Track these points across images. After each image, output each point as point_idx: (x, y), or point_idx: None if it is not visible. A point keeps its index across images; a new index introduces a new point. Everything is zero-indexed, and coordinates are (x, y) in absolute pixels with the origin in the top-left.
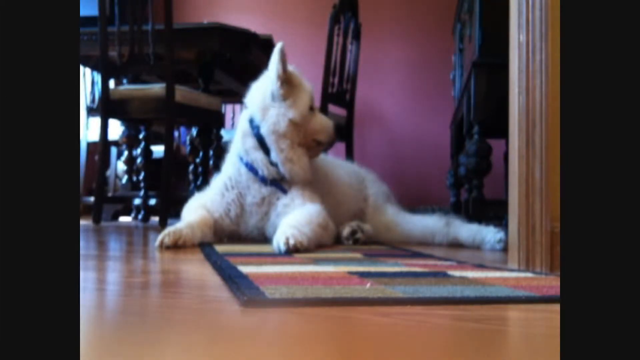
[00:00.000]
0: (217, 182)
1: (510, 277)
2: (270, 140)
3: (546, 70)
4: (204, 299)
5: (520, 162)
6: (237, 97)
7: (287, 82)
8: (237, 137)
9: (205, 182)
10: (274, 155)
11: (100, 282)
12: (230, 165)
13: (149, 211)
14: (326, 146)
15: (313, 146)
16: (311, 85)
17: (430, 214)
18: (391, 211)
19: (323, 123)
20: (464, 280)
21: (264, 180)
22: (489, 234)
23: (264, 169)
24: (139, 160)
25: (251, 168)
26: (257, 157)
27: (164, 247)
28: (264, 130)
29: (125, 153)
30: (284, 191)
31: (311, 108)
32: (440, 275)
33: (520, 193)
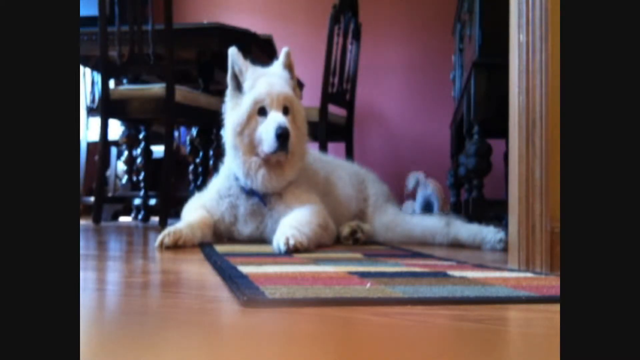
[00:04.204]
0: (213, 187)
1: (510, 277)
2: (228, 150)
3: (546, 70)
4: (204, 299)
5: (520, 162)
6: None
7: (236, 84)
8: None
9: (205, 182)
10: (235, 168)
11: (100, 282)
12: (223, 175)
13: (149, 211)
14: (269, 156)
15: (264, 157)
16: (269, 85)
17: (430, 214)
18: (391, 211)
19: (265, 130)
20: (464, 280)
21: (248, 193)
22: (489, 234)
23: (245, 180)
24: (139, 160)
25: (236, 179)
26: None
27: (164, 247)
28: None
29: (125, 153)
30: (265, 204)
31: (261, 112)
32: (440, 275)
33: (520, 193)
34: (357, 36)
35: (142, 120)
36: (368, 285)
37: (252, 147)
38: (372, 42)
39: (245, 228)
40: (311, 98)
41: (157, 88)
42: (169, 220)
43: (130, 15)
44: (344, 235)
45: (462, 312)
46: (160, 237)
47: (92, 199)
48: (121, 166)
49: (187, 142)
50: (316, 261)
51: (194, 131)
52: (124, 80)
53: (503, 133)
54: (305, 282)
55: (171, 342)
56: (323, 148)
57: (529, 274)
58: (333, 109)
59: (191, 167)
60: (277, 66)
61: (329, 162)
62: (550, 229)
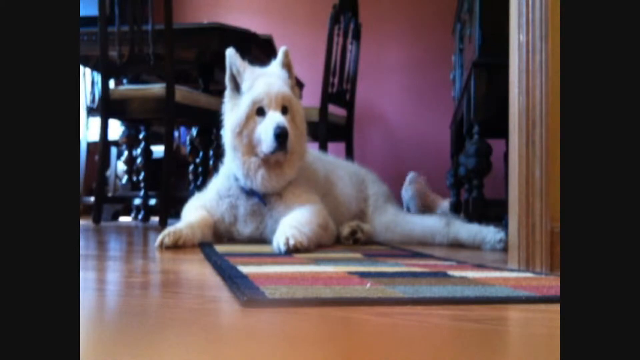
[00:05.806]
0: (213, 187)
1: (510, 277)
2: (227, 151)
3: (546, 70)
4: (204, 299)
5: (520, 162)
6: None
7: (235, 85)
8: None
9: (205, 182)
10: (235, 169)
11: (100, 282)
12: (222, 175)
13: (149, 211)
14: (268, 156)
15: (263, 157)
16: (267, 85)
17: (430, 214)
18: (391, 211)
19: (264, 130)
20: (464, 280)
21: (248, 193)
22: (489, 234)
23: (244, 181)
24: (139, 160)
25: (236, 179)
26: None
27: (164, 247)
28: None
29: (125, 153)
30: (264, 204)
31: (260, 112)
32: (440, 275)
33: (520, 193)
34: (357, 36)
35: (142, 120)
36: (368, 285)
37: (251, 148)
38: (372, 42)
39: (245, 228)
40: (311, 98)
41: (157, 88)
42: (169, 220)
43: (130, 15)
44: (344, 235)
45: (462, 312)
46: (160, 237)
47: (92, 199)
48: (121, 166)
49: (187, 142)
50: (316, 261)
51: (194, 131)
52: (124, 80)
53: (503, 133)
54: (305, 282)
55: (171, 342)
56: (323, 148)
57: (529, 274)
58: (333, 109)
59: (191, 167)
60: (275, 66)
61: (329, 161)
62: (550, 229)
